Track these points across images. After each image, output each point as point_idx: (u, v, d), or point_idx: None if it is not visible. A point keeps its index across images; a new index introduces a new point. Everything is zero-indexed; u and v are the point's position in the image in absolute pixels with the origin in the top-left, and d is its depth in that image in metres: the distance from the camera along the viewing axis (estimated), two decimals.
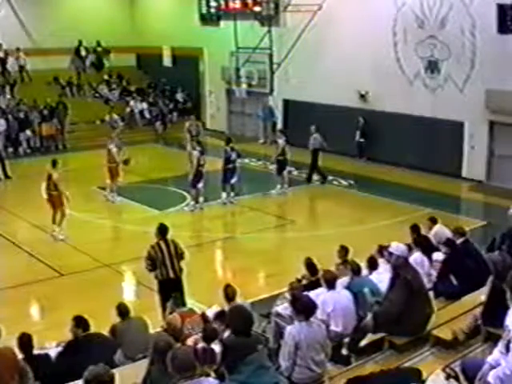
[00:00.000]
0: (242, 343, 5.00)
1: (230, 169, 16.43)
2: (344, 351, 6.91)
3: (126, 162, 16.86)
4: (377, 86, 20.32)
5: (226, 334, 5.89)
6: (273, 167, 17.95)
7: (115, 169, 16.57)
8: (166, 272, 9.30)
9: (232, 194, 16.67)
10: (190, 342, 6.73)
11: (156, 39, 27.98)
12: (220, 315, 7.28)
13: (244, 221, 15.70)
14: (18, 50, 25.81)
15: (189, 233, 14.57)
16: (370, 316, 7.06)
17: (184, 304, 8.58)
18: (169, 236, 9.52)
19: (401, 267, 7.00)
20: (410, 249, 8.80)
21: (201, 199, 16.20)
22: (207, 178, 16.93)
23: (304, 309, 6.12)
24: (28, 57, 25.94)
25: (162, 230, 9.49)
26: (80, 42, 27.77)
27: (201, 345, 6.29)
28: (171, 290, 8.78)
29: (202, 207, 16.14)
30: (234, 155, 16.51)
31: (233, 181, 16.55)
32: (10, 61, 25.92)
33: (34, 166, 21.07)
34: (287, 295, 8.07)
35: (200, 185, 16.02)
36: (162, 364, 5.19)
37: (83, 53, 28.20)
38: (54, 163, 13.85)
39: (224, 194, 16.63)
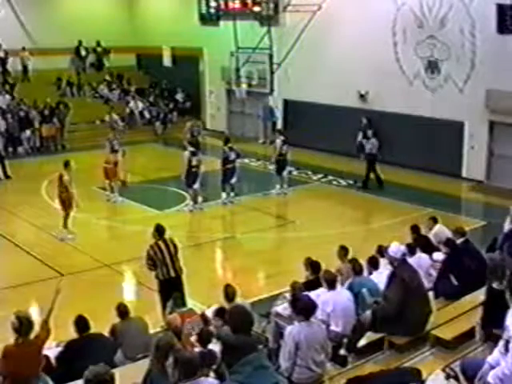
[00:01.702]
0: (242, 343, 5.00)
1: (229, 169, 16.40)
2: (342, 351, 6.92)
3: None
4: (377, 86, 20.32)
5: (225, 328, 5.88)
6: (272, 167, 17.93)
7: (111, 169, 16.56)
8: (167, 271, 9.33)
9: (232, 194, 16.66)
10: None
11: (156, 39, 27.98)
12: (219, 312, 7.29)
13: (244, 221, 15.68)
14: (23, 49, 25.84)
15: (189, 233, 14.59)
16: (368, 312, 7.08)
17: (184, 304, 8.59)
18: (166, 235, 9.54)
19: (398, 267, 7.03)
20: (410, 249, 8.83)
21: (199, 199, 16.18)
22: (207, 178, 16.95)
23: (304, 309, 6.12)
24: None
25: (160, 230, 9.52)
26: (80, 42, 27.76)
27: (198, 349, 6.31)
28: (172, 290, 8.80)
29: (201, 207, 16.13)
30: (232, 155, 16.48)
31: (232, 181, 16.53)
32: (11, 61, 25.92)
33: (33, 166, 21.13)
34: (287, 295, 8.08)
35: (196, 185, 15.93)
36: (162, 364, 5.20)
37: (83, 53, 28.19)
38: (66, 164, 13.82)
39: (224, 194, 16.62)
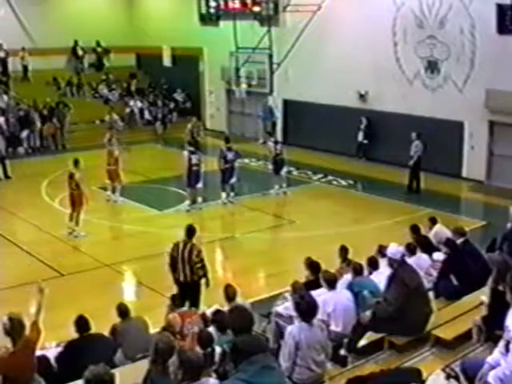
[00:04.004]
0: (248, 342, 4.99)
1: (228, 169, 16.40)
2: (342, 351, 6.92)
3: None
4: (377, 86, 20.34)
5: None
6: (271, 167, 17.93)
7: (114, 171, 16.55)
8: (178, 274, 9.34)
9: (232, 194, 16.66)
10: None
11: (156, 39, 27.96)
12: (216, 314, 7.31)
13: (244, 221, 15.69)
14: (23, 49, 25.84)
15: None
16: (368, 312, 7.08)
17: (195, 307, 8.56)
18: (194, 239, 9.44)
19: (398, 268, 7.04)
20: (410, 249, 8.84)
21: (199, 199, 16.18)
22: (207, 177, 16.92)
23: (306, 310, 6.10)
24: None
25: (187, 231, 9.41)
26: (76, 42, 27.59)
27: (198, 349, 6.30)
28: (185, 293, 8.86)
29: (200, 207, 16.12)
30: (230, 155, 16.47)
31: (232, 181, 16.52)
32: (10, 61, 25.91)
33: (33, 166, 21.11)
34: (287, 295, 8.08)
35: (199, 185, 15.96)
36: (162, 365, 5.19)
37: (80, 53, 28.09)
38: (76, 162, 13.92)
39: (224, 194, 16.62)
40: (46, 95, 24.77)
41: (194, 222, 15.64)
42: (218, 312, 7.38)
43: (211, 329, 7.25)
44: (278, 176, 17.48)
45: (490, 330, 6.16)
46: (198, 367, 4.65)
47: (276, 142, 17.81)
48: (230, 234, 14.89)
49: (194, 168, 15.76)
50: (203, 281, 9.40)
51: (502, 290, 6.13)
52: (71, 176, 13.83)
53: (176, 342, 5.98)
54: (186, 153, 15.95)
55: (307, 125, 22.56)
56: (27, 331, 6.00)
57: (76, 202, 13.87)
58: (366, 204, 16.79)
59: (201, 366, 4.67)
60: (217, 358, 6.16)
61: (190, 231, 9.39)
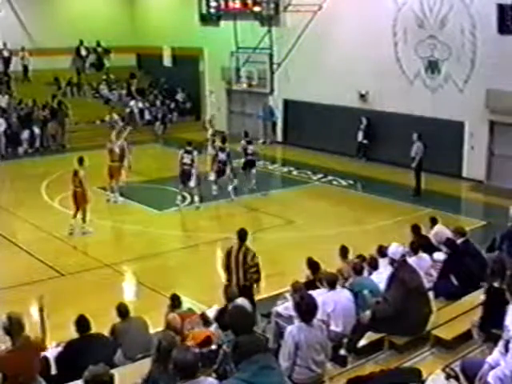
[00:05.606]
0: (248, 342, 4.98)
1: (220, 167, 16.58)
2: (342, 351, 6.92)
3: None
4: (377, 86, 20.33)
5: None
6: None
7: (116, 168, 16.53)
8: (231, 277, 9.26)
9: (215, 187, 16.90)
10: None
11: (156, 39, 27.99)
12: (221, 313, 7.29)
13: (244, 221, 15.62)
14: (23, 49, 25.87)
15: (188, 232, 14.59)
16: (368, 312, 7.08)
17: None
18: (247, 242, 9.43)
19: (398, 267, 7.03)
20: (413, 248, 8.84)
21: (196, 198, 16.18)
22: (205, 177, 16.95)
23: (306, 310, 6.10)
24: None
25: (239, 235, 9.42)
26: (81, 42, 27.70)
27: (196, 350, 6.29)
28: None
29: (198, 206, 16.11)
30: (222, 155, 16.57)
31: (224, 177, 16.79)
32: (14, 61, 25.96)
33: (33, 165, 21.10)
34: (287, 295, 8.08)
35: (191, 184, 16.02)
36: (164, 364, 5.19)
37: (83, 52, 28.16)
38: (81, 161, 14.00)
39: (215, 187, 16.87)
40: (47, 95, 24.77)
41: (194, 221, 15.87)
42: (222, 311, 7.36)
43: (213, 328, 7.25)
44: (247, 173, 17.66)
45: (486, 329, 6.16)
46: (191, 367, 4.62)
47: (249, 142, 17.90)
48: (229, 233, 14.83)
49: (185, 167, 15.86)
50: (255, 286, 9.33)
51: (496, 286, 6.14)
52: (75, 173, 13.88)
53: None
54: (180, 152, 16.06)
55: (307, 125, 22.56)
56: (28, 332, 6.01)
57: (79, 200, 13.90)
58: (365, 204, 16.79)
59: (194, 366, 4.64)
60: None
61: (241, 234, 9.38)
